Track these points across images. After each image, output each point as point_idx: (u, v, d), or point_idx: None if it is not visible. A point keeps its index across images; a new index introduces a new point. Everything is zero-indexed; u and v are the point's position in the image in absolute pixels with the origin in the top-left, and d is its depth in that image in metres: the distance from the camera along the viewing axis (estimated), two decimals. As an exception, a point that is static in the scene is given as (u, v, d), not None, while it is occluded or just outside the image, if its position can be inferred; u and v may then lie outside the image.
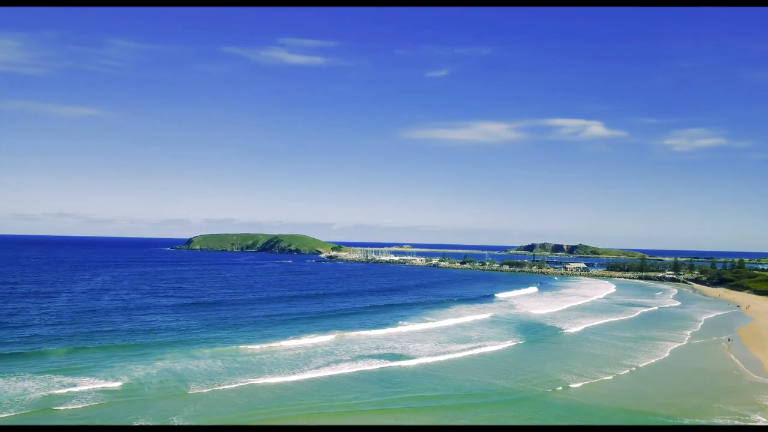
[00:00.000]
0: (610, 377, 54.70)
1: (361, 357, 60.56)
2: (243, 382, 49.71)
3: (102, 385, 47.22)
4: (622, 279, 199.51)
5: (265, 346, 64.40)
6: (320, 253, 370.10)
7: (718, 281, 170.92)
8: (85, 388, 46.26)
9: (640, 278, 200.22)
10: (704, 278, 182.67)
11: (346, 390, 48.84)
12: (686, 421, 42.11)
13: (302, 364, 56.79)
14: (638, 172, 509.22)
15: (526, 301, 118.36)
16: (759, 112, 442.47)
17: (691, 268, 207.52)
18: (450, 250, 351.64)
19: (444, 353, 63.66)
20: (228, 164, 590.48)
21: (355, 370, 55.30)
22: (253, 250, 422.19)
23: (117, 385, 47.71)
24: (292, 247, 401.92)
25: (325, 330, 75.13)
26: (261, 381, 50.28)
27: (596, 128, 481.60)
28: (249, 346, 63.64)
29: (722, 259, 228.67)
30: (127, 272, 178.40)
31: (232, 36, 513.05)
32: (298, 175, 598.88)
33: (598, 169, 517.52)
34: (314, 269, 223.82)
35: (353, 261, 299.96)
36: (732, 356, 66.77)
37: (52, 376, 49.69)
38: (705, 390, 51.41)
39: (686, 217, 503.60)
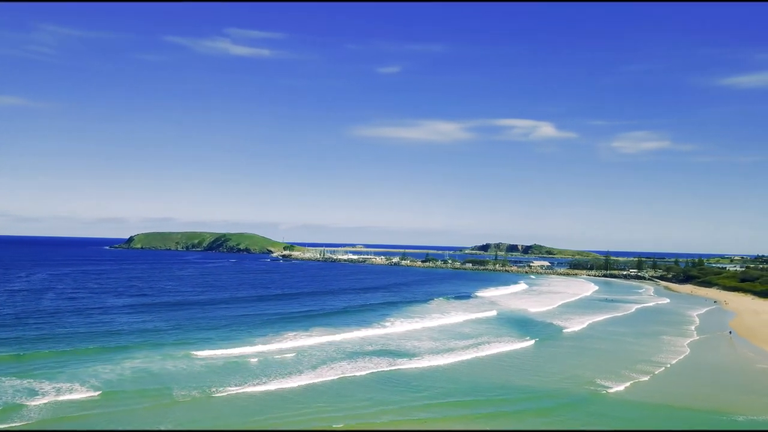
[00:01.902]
0: (648, 377, 50.16)
1: (362, 358, 54.02)
2: (236, 389, 42.32)
3: (70, 396, 38.73)
4: (592, 277, 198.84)
5: (251, 348, 56.45)
6: (272, 252, 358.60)
7: (684, 278, 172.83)
8: (51, 399, 37.73)
9: (605, 276, 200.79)
10: (670, 275, 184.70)
11: (360, 394, 42.42)
12: (746, 421, 38.27)
13: (298, 366, 49.69)
14: (587, 173, 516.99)
15: (515, 299, 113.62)
16: (702, 115, 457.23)
17: (654, 266, 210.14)
18: (405, 250, 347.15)
19: (454, 352, 57.83)
20: (168, 161, 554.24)
21: (362, 373, 48.55)
22: (199, 249, 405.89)
23: (93, 394, 39.42)
24: (242, 246, 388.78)
25: (310, 330, 67.92)
26: (259, 388, 42.96)
27: (547, 129, 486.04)
28: (233, 349, 55.44)
29: (680, 259, 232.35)
30: (69, 270, 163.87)
31: (173, 24, 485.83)
32: (243, 174, 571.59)
33: (549, 170, 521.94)
34: (272, 268, 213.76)
35: (310, 260, 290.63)
36: (747, 351, 65.03)
37: (4, 379, 41.36)
38: (753, 385, 48.29)
39: (634, 219, 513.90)
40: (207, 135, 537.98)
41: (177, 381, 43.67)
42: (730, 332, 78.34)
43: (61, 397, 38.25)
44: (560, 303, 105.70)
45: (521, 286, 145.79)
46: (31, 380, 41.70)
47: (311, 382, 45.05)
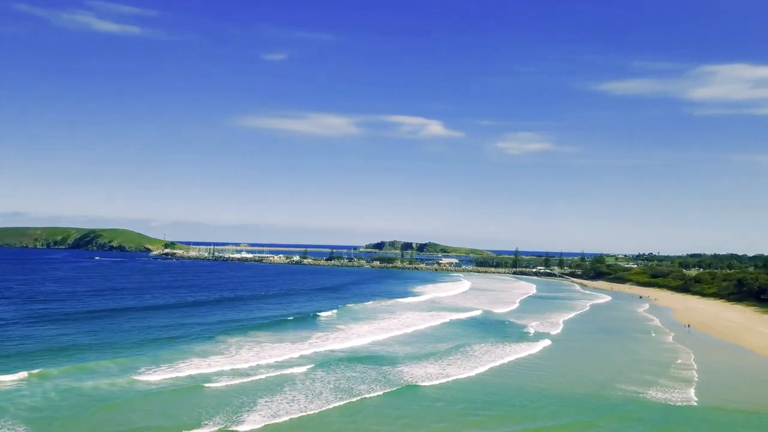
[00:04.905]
0: (692, 382, 46.10)
1: (353, 373, 45.31)
2: (226, 423, 32.50)
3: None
4: (511, 275, 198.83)
5: (209, 368, 44.85)
6: (150, 250, 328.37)
7: (594, 275, 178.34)
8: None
9: (515, 273, 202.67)
10: (579, 272, 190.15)
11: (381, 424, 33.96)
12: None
13: (281, 389, 39.75)
14: (475, 173, 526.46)
15: (469, 299, 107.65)
16: (582, 119, 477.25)
17: (561, 263, 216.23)
18: (295, 249, 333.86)
19: (463, 363, 50.20)
20: (18, 150, 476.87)
21: (372, 394, 39.69)
22: (63, 246, 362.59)
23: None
24: (115, 244, 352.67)
25: (257, 338, 58.10)
26: (255, 423, 32.82)
27: (435, 127, 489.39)
28: (187, 369, 43.92)
29: (574, 259, 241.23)
30: None
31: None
32: (107, 166, 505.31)
33: (436, 169, 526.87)
34: (165, 268, 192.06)
35: (199, 259, 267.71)
36: (725, 345, 66.20)
37: None
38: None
39: (521, 218, 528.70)
40: (63, 121, 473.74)
41: (141, 417, 32.89)
42: (688, 326, 79.56)
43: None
44: (518, 302, 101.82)
45: (464, 284, 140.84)
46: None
47: (323, 408, 35.80)
